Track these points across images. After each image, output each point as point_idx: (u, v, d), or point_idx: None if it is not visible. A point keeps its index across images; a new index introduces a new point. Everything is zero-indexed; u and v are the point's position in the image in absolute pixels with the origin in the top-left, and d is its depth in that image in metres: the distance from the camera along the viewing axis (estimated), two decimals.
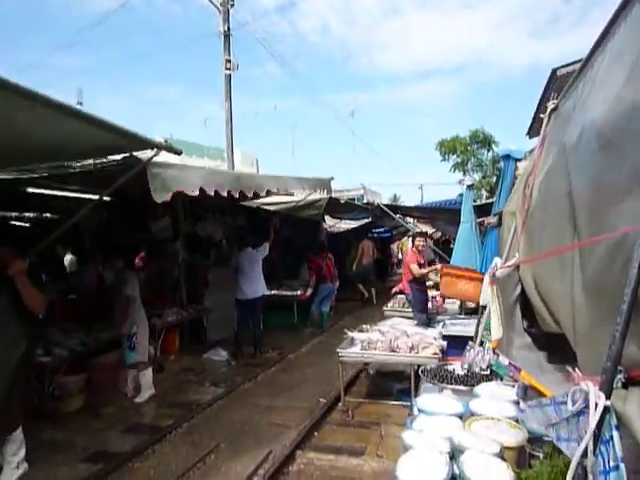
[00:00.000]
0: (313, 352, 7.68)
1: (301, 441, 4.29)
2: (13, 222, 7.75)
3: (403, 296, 8.43)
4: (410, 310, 7.64)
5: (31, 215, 7.97)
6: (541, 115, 3.83)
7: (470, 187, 7.62)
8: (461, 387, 3.30)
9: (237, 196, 4.54)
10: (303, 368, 6.72)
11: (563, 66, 13.08)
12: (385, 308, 8.33)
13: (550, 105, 3.61)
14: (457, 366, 3.75)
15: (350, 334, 5.64)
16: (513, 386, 3.07)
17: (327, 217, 12.60)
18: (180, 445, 4.29)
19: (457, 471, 2.06)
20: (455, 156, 17.41)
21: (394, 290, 10.69)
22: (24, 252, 3.60)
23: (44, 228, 7.57)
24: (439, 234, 16.97)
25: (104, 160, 3.31)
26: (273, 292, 9.36)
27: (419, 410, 2.79)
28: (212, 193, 4.04)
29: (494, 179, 16.97)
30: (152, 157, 3.27)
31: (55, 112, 2.38)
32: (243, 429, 4.63)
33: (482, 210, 7.85)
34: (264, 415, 4.97)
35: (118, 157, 3.27)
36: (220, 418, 4.93)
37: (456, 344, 5.34)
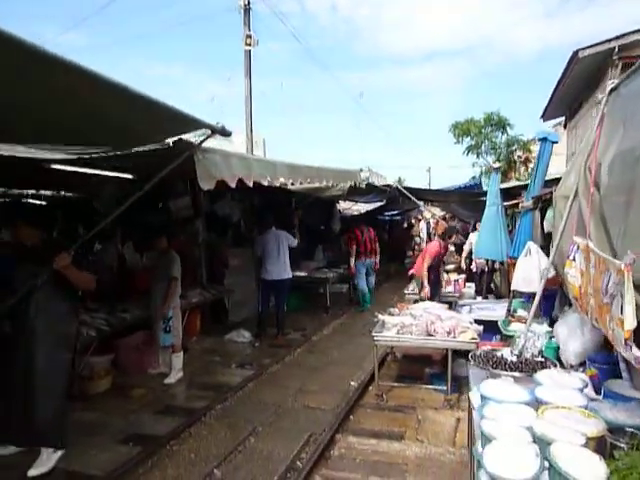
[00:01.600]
0: (336, 334, 7.61)
1: (339, 425, 4.24)
2: (31, 200, 7.61)
3: None
4: None
5: (48, 193, 7.83)
6: (599, 96, 3.67)
7: (497, 170, 7.45)
8: (517, 374, 3.22)
9: (273, 185, 4.40)
10: (328, 350, 6.66)
11: (585, 47, 12.83)
12: (407, 291, 8.26)
13: (609, 85, 3.45)
14: (506, 352, 3.66)
15: (381, 317, 5.56)
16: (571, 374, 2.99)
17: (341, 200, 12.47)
18: (217, 428, 4.23)
19: (546, 463, 1.98)
20: (469, 139, 17.19)
21: (411, 272, 10.64)
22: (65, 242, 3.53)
23: (65, 207, 7.45)
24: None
25: (157, 146, 3.16)
26: (303, 274, 9.31)
27: (484, 397, 2.70)
28: (251, 184, 3.92)
29: (506, 163, 16.73)
30: (203, 140, 3.13)
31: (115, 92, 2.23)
32: (278, 412, 4.57)
33: (507, 193, 7.72)
34: (297, 398, 4.92)
35: (168, 140, 3.12)
36: (253, 401, 4.87)
37: (485, 328, 5.30)
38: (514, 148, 17.06)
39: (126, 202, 3.93)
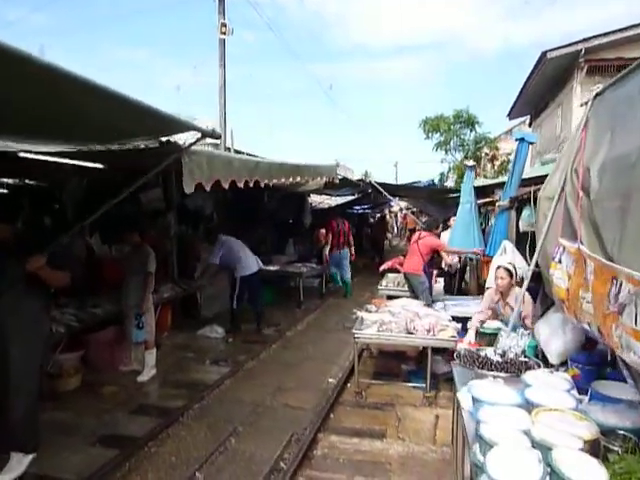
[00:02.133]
0: (310, 329, 7.58)
1: (320, 424, 4.21)
2: None
3: (396, 275, 8.40)
4: (405, 289, 7.60)
5: (9, 181, 7.42)
6: (584, 101, 3.73)
7: (472, 168, 7.54)
8: (503, 374, 3.26)
9: (254, 185, 4.31)
10: (303, 346, 6.62)
11: (553, 49, 13.14)
12: (380, 287, 8.26)
13: (594, 90, 3.51)
14: (489, 351, 3.70)
15: (359, 314, 5.55)
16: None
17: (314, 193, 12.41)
18: (196, 428, 4.12)
19: (547, 468, 2.00)
20: (438, 135, 17.40)
21: (383, 267, 10.66)
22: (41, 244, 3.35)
23: (29, 197, 7.09)
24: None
25: (145, 144, 3.02)
26: (275, 268, 9.24)
27: (476, 400, 2.71)
28: (226, 186, 3.82)
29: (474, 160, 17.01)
30: (193, 143, 3.01)
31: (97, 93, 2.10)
32: (257, 411, 4.50)
33: (481, 191, 7.82)
34: (276, 396, 4.85)
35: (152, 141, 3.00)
36: (231, 399, 4.77)
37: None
38: (482, 145, 17.41)
39: (96, 194, 3.76)
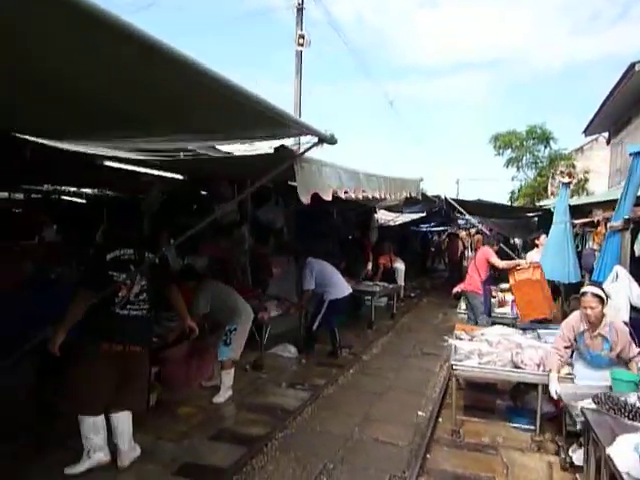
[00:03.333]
0: (386, 354, 7.11)
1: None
2: (73, 199, 7.28)
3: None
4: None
5: (89, 191, 7.50)
6: None
7: (567, 185, 6.94)
8: None
9: (355, 198, 3.98)
10: (382, 372, 6.17)
11: None
12: (459, 311, 7.76)
13: None
14: (632, 397, 3.16)
15: (451, 341, 5.09)
16: None
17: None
18: (283, 462, 3.77)
19: None
20: (509, 151, 16.62)
21: (456, 289, 10.11)
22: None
23: (108, 207, 7.10)
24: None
25: (263, 152, 2.80)
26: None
27: None
28: (343, 196, 3.50)
29: (549, 178, 16.15)
30: (308, 149, 2.73)
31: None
32: (346, 445, 4.10)
33: (575, 210, 7.19)
34: (364, 429, 4.44)
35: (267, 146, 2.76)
36: (316, 430, 4.41)
37: None
38: (557, 163, 16.47)
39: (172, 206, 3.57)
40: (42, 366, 4.06)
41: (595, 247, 6.66)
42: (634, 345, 3.88)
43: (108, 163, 5.08)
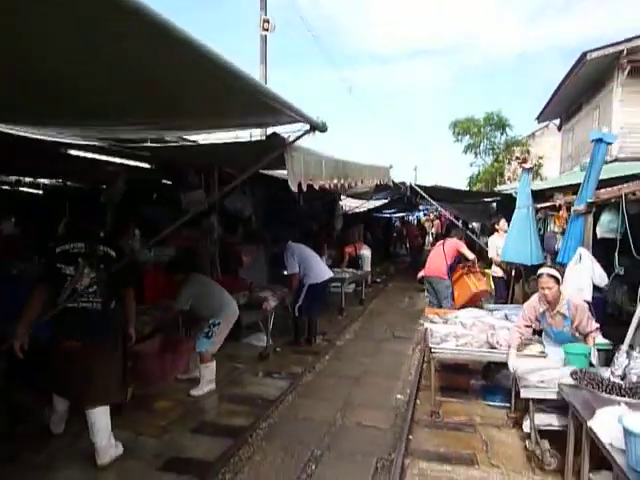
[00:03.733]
0: (359, 339, 7.18)
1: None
2: (30, 190, 6.89)
3: None
4: None
5: (46, 182, 7.12)
6: None
7: (528, 170, 7.16)
8: (634, 401, 2.87)
9: (339, 187, 3.95)
10: (357, 358, 6.23)
11: (593, 50, 12.71)
12: (427, 295, 7.94)
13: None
14: (604, 372, 3.32)
15: (426, 325, 5.20)
16: None
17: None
18: (270, 451, 3.75)
19: None
20: (468, 137, 17.00)
21: (421, 274, 10.31)
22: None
23: (65, 198, 6.76)
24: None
25: (257, 138, 2.70)
26: None
27: (631, 433, 2.32)
28: (317, 187, 3.47)
29: (506, 163, 16.64)
30: (299, 137, 2.67)
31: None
32: (331, 431, 4.13)
33: (536, 195, 7.42)
34: (346, 414, 4.48)
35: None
36: (298, 417, 4.41)
37: None
38: (513, 149, 16.99)
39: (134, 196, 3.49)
40: (8, 367, 3.89)
41: (556, 230, 6.91)
42: (592, 321, 4.07)
43: (73, 152, 4.84)
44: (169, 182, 7.58)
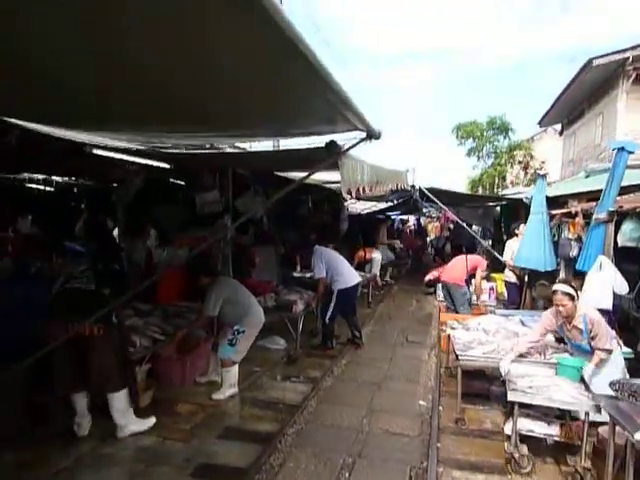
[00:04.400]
0: (373, 344, 7.11)
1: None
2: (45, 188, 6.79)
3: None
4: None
5: (58, 179, 7.03)
6: None
7: (544, 177, 7.17)
8: None
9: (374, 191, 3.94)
10: (376, 363, 6.19)
11: (599, 56, 12.79)
12: (440, 299, 7.99)
13: None
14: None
15: (449, 331, 5.19)
16: None
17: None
18: (302, 459, 3.72)
19: None
20: (471, 140, 17.04)
21: (428, 277, 10.34)
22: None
23: (90, 198, 6.69)
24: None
25: (311, 145, 2.66)
26: None
27: None
28: (372, 190, 3.46)
29: (508, 167, 16.70)
30: (354, 145, 2.63)
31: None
32: (360, 439, 4.10)
33: (549, 201, 7.43)
34: (372, 421, 4.46)
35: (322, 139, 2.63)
36: (325, 424, 4.38)
37: None
38: (516, 153, 17.06)
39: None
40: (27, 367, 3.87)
41: (570, 237, 6.92)
42: (605, 339, 4.01)
43: (98, 151, 4.78)
44: (182, 182, 7.52)
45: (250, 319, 4.93)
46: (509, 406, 4.05)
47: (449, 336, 5.14)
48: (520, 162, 16.98)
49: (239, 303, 4.91)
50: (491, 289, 7.94)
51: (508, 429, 3.86)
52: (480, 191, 17.07)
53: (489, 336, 4.91)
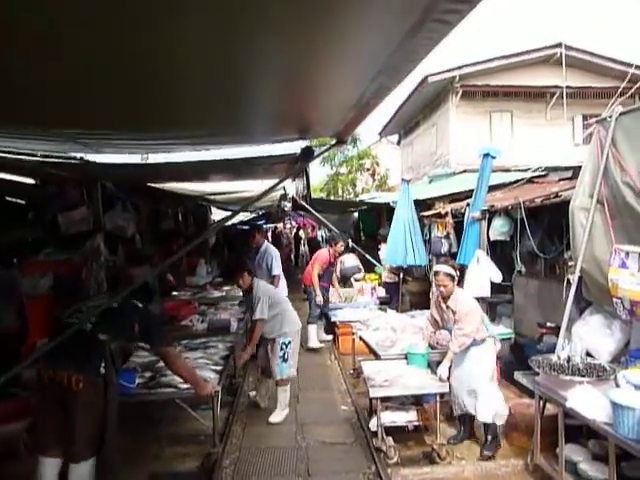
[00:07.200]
0: None
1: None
2: None
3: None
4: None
5: None
6: (602, 118, 4.11)
7: (408, 182, 7.82)
8: (586, 379, 3.29)
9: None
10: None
11: (434, 74, 14.37)
12: None
13: (617, 110, 3.91)
14: (554, 357, 3.76)
15: (361, 333, 5.32)
16: None
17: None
18: None
19: None
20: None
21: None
22: None
23: None
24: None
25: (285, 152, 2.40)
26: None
27: (618, 405, 2.68)
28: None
29: (359, 175, 17.82)
30: (327, 150, 2.51)
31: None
32: (300, 455, 3.95)
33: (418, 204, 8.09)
34: (305, 435, 4.31)
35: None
36: (260, 447, 4.12)
37: None
38: (364, 161, 18.31)
39: None
40: None
41: (440, 235, 7.60)
42: (467, 322, 4.02)
43: None
44: (39, 198, 6.50)
45: (291, 326, 4.60)
46: (369, 403, 4.35)
47: (361, 338, 5.26)
48: (368, 169, 18.31)
49: (277, 306, 4.52)
50: (373, 289, 8.31)
51: (373, 425, 4.04)
52: (332, 198, 17.94)
53: (398, 333, 5.13)
